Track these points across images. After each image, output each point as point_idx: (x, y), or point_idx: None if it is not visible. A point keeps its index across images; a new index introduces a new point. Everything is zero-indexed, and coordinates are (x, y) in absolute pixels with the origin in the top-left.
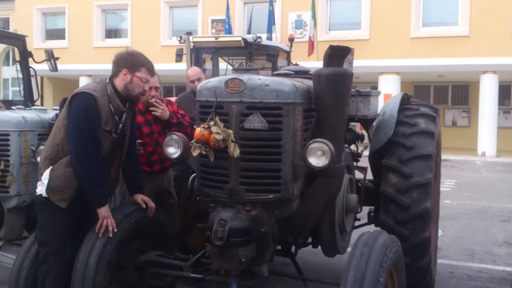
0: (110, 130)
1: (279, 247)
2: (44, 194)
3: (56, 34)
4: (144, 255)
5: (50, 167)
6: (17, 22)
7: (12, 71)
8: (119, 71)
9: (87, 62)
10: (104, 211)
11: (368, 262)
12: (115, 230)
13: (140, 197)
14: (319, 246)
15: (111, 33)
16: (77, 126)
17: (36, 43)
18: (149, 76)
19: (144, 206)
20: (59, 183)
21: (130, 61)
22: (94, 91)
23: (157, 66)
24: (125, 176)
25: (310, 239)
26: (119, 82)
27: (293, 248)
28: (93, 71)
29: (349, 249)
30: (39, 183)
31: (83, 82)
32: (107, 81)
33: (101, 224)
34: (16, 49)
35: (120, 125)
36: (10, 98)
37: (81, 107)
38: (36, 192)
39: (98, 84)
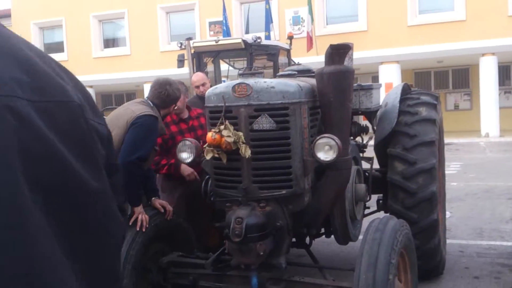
0: (156, 148)
1: (294, 239)
2: None
3: (54, 47)
4: (166, 256)
5: None
6: None
7: None
8: (171, 106)
9: (87, 73)
10: (140, 209)
11: (380, 246)
12: (147, 226)
13: (158, 202)
14: (332, 236)
15: (109, 42)
16: (138, 141)
17: None
18: None
19: (162, 210)
20: None
21: (179, 96)
22: (156, 115)
23: (157, 72)
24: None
25: (323, 230)
26: (165, 112)
27: (307, 239)
28: (94, 82)
29: (360, 236)
30: None
31: None
32: (151, 104)
33: (136, 218)
34: None
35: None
36: None
37: (147, 127)
38: None
39: (150, 107)
